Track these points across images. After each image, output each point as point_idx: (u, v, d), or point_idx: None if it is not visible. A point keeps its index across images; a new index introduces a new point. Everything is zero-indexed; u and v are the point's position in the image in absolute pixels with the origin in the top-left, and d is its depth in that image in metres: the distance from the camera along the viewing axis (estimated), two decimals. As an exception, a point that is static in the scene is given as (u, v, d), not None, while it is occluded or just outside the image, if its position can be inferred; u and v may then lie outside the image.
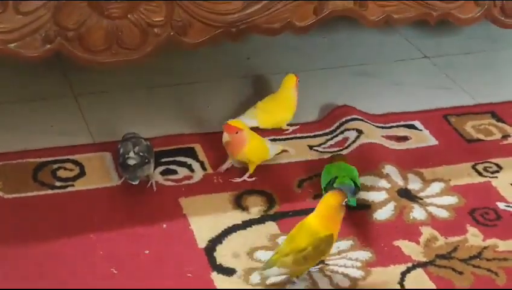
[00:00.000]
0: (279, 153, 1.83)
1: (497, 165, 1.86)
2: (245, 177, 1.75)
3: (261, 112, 1.91)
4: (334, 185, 1.67)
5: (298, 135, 1.94)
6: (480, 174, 1.83)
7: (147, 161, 1.71)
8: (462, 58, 2.30)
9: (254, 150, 1.75)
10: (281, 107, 1.94)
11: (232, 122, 1.75)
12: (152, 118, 1.97)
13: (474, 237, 1.65)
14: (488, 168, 1.84)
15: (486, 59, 2.30)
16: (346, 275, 1.55)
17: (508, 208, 1.73)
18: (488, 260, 1.59)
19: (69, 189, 1.72)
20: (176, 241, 1.60)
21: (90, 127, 1.93)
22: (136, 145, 1.73)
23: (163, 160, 1.81)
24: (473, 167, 1.85)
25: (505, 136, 1.96)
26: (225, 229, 1.64)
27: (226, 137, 1.72)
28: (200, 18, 1.64)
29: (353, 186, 1.68)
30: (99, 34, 1.58)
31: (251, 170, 1.75)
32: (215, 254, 1.58)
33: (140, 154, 1.71)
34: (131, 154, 1.71)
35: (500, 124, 2.00)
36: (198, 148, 1.86)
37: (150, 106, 2.02)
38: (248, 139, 1.73)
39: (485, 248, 1.62)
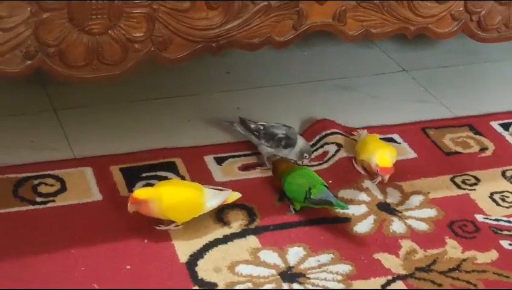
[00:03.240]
0: (234, 201, 1.70)
1: (475, 177, 1.88)
2: (171, 227, 1.65)
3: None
4: (312, 196, 1.68)
5: (278, 148, 1.95)
6: (458, 186, 1.85)
7: (255, 133, 1.84)
8: (440, 71, 2.32)
9: (172, 211, 1.63)
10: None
11: (136, 193, 1.63)
12: (132, 132, 1.98)
13: (453, 249, 1.66)
14: (466, 181, 1.87)
15: (463, 72, 2.32)
16: (326, 289, 1.55)
17: (486, 220, 1.75)
18: (467, 272, 1.61)
19: (50, 205, 1.72)
20: (157, 256, 1.61)
21: (70, 142, 1.92)
22: (275, 127, 1.85)
23: (144, 174, 1.81)
24: (452, 180, 1.87)
25: (483, 149, 1.98)
26: (206, 243, 1.64)
27: (130, 207, 1.63)
28: (180, 33, 1.65)
29: (329, 191, 1.69)
30: (79, 49, 1.58)
31: (179, 222, 1.65)
32: (196, 268, 1.58)
33: (260, 127, 1.85)
34: (260, 122, 1.87)
35: (477, 137, 2.03)
36: (179, 162, 1.87)
37: (130, 120, 2.02)
38: (156, 206, 1.61)
39: (464, 260, 1.64)
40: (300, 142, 1.86)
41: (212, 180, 1.82)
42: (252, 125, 1.86)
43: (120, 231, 1.65)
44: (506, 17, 1.87)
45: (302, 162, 1.85)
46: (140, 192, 1.64)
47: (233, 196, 1.70)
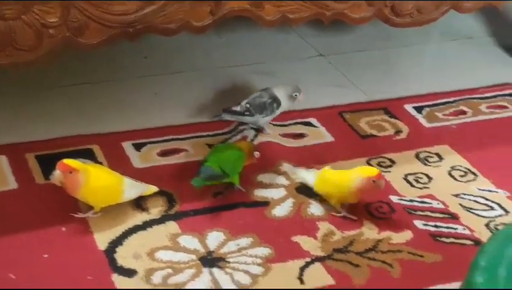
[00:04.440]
0: (151, 194, 1.70)
1: (390, 160, 1.92)
2: (89, 214, 1.63)
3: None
4: (201, 168, 1.69)
5: (197, 134, 1.95)
6: (374, 169, 1.89)
7: (246, 113, 1.88)
8: (356, 56, 2.36)
9: (94, 193, 1.61)
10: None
11: (68, 160, 1.59)
12: (48, 118, 1.95)
13: (369, 230, 1.70)
14: (381, 163, 1.90)
15: (378, 57, 2.37)
16: (246, 272, 1.57)
17: (401, 201, 1.79)
18: (383, 252, 1.65)
19: (-36, 194, 1.68)
20: (75, 244, 1.59)
21: (-16, 130, 1.89)
22: (257, 97, 1.90)
23: (61, 162, 1.79)
24: (368, 162, 1.90)
25: (398, 132, 2.03)
26: (125, 230, 1.63)
27: (58, 175, 1.58)
28: (96, 19, 1.63)
29: (212, 172, 1.69)
30: (-8, 35, 1.55)
31: (96, 208, 1.64)
32: (115, 255, 1.57)
33: (247, 106, 1.88)
34: (242, 102, 1.90)
35: (392, 120, 2.07)
36: (96, 149, 1.85)
37: (46, 107, 1.99)
38: (84, 181, 1.58)
39: (379, 240, 1.67)
40: (281, 90, 1.92)
41: (130, 166, 1.81)
42: (238, 109, 1.89)
43: (37, 220, 1.63)
44: (419, 3, 1.91)
45: (298, 101, 1.94)
46: (71, 161, 1.59)
47: (150, 189, 1.70)
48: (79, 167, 1.59)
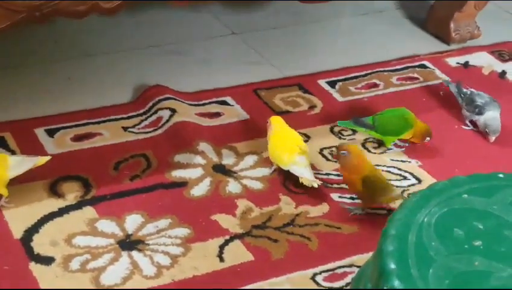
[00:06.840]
0: (42, 164, 1.65)
1: (305, 135, 1.94)
2: (2, 203, 1.61)
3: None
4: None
5: (112, 117, 1.93)
6: (290, 144, 1.90)
7: (461, 96, 2.03)
8: (269, 33, 2.37)
9: None
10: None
11: None
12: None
13: (287, 205, 1.72)
14: (297, 139, 1.92)
15: (291, 33, 2.38)
16: (166, 253, 1.57)
17: (318, 176, 1.81)
18: (300, 226, 1.67)
19: None
20: (-11, 235, 1.57)
21: None
22: (478, 94, 2.00)
23: (-29, 151, 1.75)
24: (283, 138, 1.92)
25: (312, 107, 2.05)
26: (41, 217, 1.61)
27: None
28: (1, 3, 1.59)
29: (362, 120, 1.91)
30: None
31: (4, 193, 1.60)
32: (32, 243, 1.55)
33: (462, 96, 2.02)
34: (469, 90, 2.03)
35: (307, 96, 2.09)
36: (8, 136, 1.81)
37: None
38: None
39: (297, 215, 1.70)
40: (489, 114, 1.96)
41: (44, 153, 1.78)
42: (464, 89, 2.02)
43: None
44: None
45: (489, 135, 1.96)
46: None
47: (42, 159, 1.65)
48: None
